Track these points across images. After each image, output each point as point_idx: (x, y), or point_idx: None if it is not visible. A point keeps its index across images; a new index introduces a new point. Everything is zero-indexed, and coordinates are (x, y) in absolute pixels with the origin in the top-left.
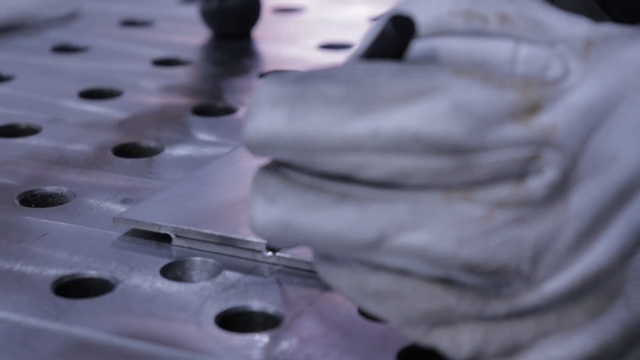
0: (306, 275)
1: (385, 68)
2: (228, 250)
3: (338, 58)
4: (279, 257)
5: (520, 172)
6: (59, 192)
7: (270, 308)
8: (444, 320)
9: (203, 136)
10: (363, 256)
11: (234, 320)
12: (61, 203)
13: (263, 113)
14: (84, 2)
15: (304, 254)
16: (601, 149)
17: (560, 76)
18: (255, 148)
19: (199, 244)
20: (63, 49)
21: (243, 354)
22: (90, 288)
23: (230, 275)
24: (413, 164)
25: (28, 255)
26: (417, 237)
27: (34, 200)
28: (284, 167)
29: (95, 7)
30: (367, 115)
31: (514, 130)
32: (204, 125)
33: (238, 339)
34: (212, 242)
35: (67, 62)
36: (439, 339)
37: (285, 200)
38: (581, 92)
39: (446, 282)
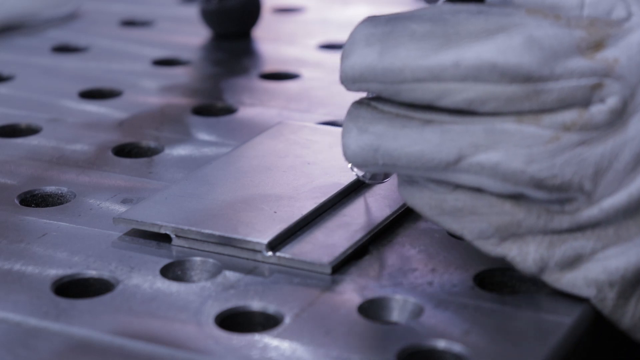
0: (306, 275)
1: (466, 8)
2: (228, 250)
3: (338, 58)
4: (279, 257)
5: (584, 100)
6: (59, 192)
7: (270, 308)
8: (513, 233)
9: (203, 136)
10: (442, 176)
11: (234, 320)
12: (61, 203)
13: (358, 51)
14: (84, 2)
15: (304, 254)
16: None
17: (623, 18)
18: (350, 83)
19: (199, 244)
20: (63, 49)
21: (243, 354)
22: (90, 288)
23: (230, 275)
24: (489, 91)
25: (28, 255)
26: (491, 156)
27: (34, 200)
28: (375, 101)
29: (95, 7)
30: (449, 49)
31: (580, 62)
32: (204, 125)
33: (238, 339)
34: (212, 242)
35: (67, 62)
36: (508, 250)
37: (376, 128)
38: None
39: (516, 198)
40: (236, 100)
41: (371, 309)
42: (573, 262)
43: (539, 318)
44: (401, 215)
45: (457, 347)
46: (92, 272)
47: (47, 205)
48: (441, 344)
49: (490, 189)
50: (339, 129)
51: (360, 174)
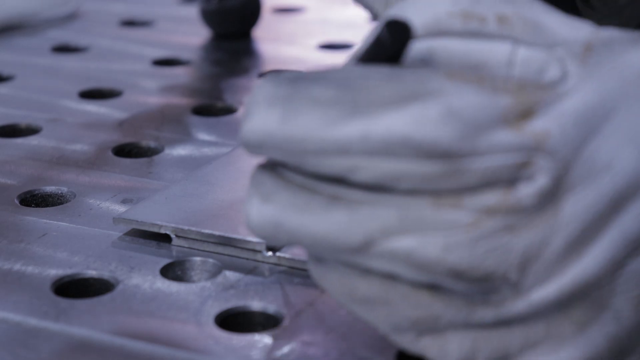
0: (306, 275)
1: (377, 71)
2: (228, 250)
3: (338, 58)
4: (279, 257)
5: (510, 179)
6: (59, 192)
7: (270, 308)
8: (431, 327)
9: (203, 136)
10: (351, 260)
11: (234, 320)
12: (61, 203)
13: (259, 113)
14: (84, 2)
15: (304, 254)
16: (595, 156)
17: (557, 80)
18: (251, 148)
19: (199, 244)
20: (63, 49)
21: (243, 354)
22: (90, 288)
23: (230, 275)
24: (402, 169)
25: (28, 255)
26: (404, 242)
27: (34, 200)
28: (281, 167)
29: (95, 7)
30: (357, 118)
31: (506, 136)
32: (204, 125)
33: (238, 339)
34: (212, 242)
35: (67, 62)
36: (427, 347)
37: (278, 200)
38: (577, 98)
39: (434, 288)
40: (236, 100)
41: None
42: None
43: None
44: None
45: None
46: (92, 272)
47: (47, 205)
48: None
49: (404, 277)
50: None
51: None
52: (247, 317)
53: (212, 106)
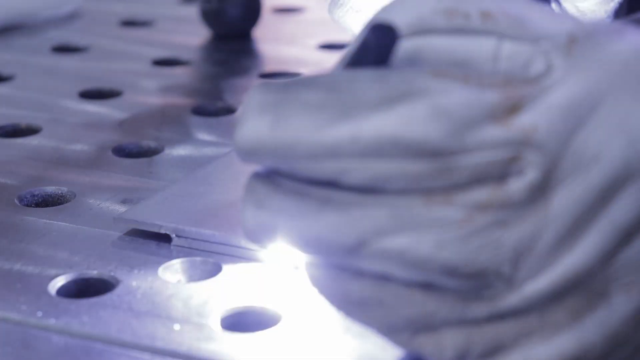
0: (306, 274)
1: (364, 74)
2: (228, 250)
3: (338, 58)
4: (279, 257)
5: (500, 174)
6: (59, 192)
7: (270, 308)
8: (426, 325)
9: (203, 136)
10: (345, 261)
11: (234, 320)
12: (61, 203)
13: (250, 120)
14: (84, 2)
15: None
16: (584, 148)
17: (542, 73)
18: (245, 155)
19: (199, 243)
20: (63, 49)
21: (243, 354)
22: (91, 288)
23: (230, 275)
24: (392, 169)
25: (28, 255)
26: (396, 241)
27: (34, 200)
28: (274, 173)
29: (95, 7)
30: (345, 121)
31: (494, 131)
32: (204, 125)
33: (238, 339)
34: (212, 242)
35: (67, 62)
36: (423, 345)
37: (271, 205)
38: (563, 90)
39: (427, 287)
40: (236, 100)
41: None
42: (494, 352)
43: None
44: None
45: None
46: (92, 272)
47: (47, 205)
48: None
49: (398, 276)
50: None
51: None
52: (247, 317)
53: (212, 106)
